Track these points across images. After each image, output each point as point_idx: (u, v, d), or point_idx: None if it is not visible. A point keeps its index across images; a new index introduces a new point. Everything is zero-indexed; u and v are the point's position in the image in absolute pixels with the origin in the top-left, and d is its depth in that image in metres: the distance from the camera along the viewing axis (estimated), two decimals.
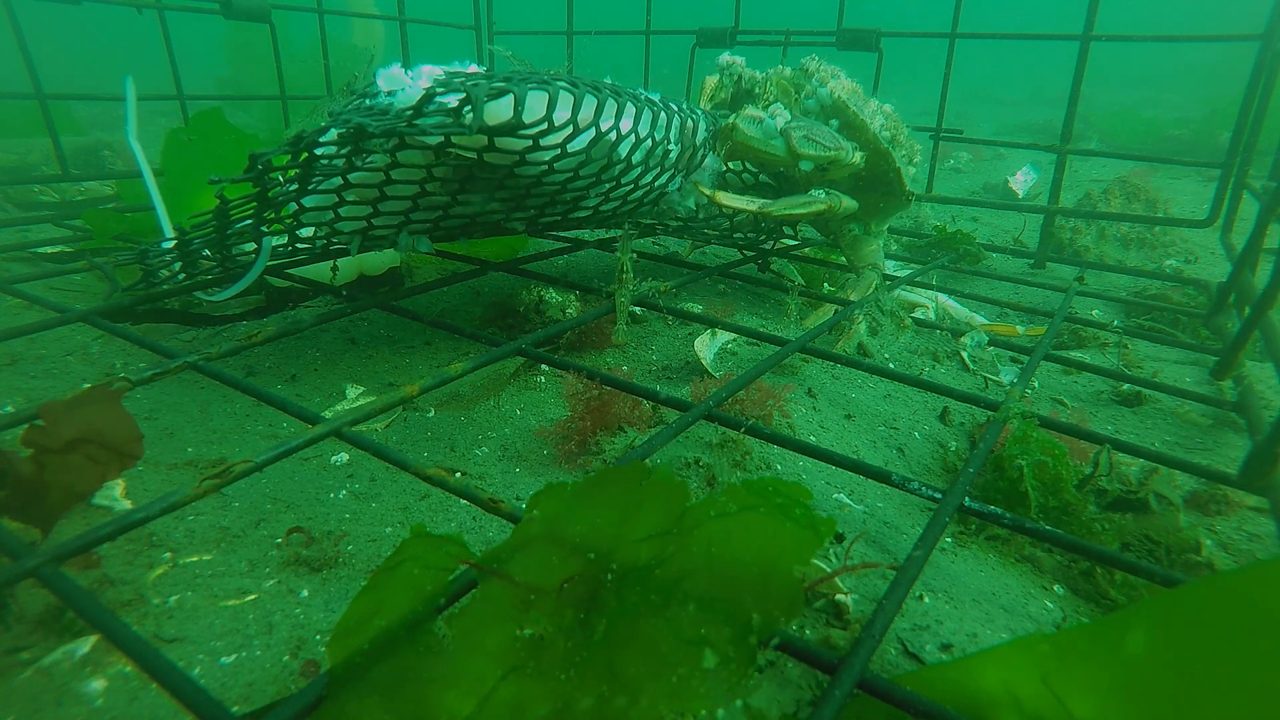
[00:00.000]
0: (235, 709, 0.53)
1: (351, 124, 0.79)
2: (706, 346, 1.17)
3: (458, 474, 0.84)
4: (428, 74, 0.88)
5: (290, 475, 0.85)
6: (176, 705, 0.50)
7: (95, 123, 3.75)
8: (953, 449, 0.98)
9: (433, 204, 0.99)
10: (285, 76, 1.97)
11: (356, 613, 0.47)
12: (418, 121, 0.80)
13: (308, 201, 0.92)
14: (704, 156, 1.18)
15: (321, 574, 0.69)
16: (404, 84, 0.86)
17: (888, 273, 1.51)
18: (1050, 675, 0.45)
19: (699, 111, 1.15)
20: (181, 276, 1.08)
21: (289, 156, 0.81)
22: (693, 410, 0.78)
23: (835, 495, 0.85)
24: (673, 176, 1.15)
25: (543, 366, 1.11)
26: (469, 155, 0.88)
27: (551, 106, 0.82)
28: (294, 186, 0.87)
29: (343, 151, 0.83)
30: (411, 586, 0.48)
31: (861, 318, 1.22)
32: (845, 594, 0.66)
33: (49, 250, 1.50)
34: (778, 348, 1.01)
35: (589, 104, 0.88)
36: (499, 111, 0.81)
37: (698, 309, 1.34)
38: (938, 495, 0.67)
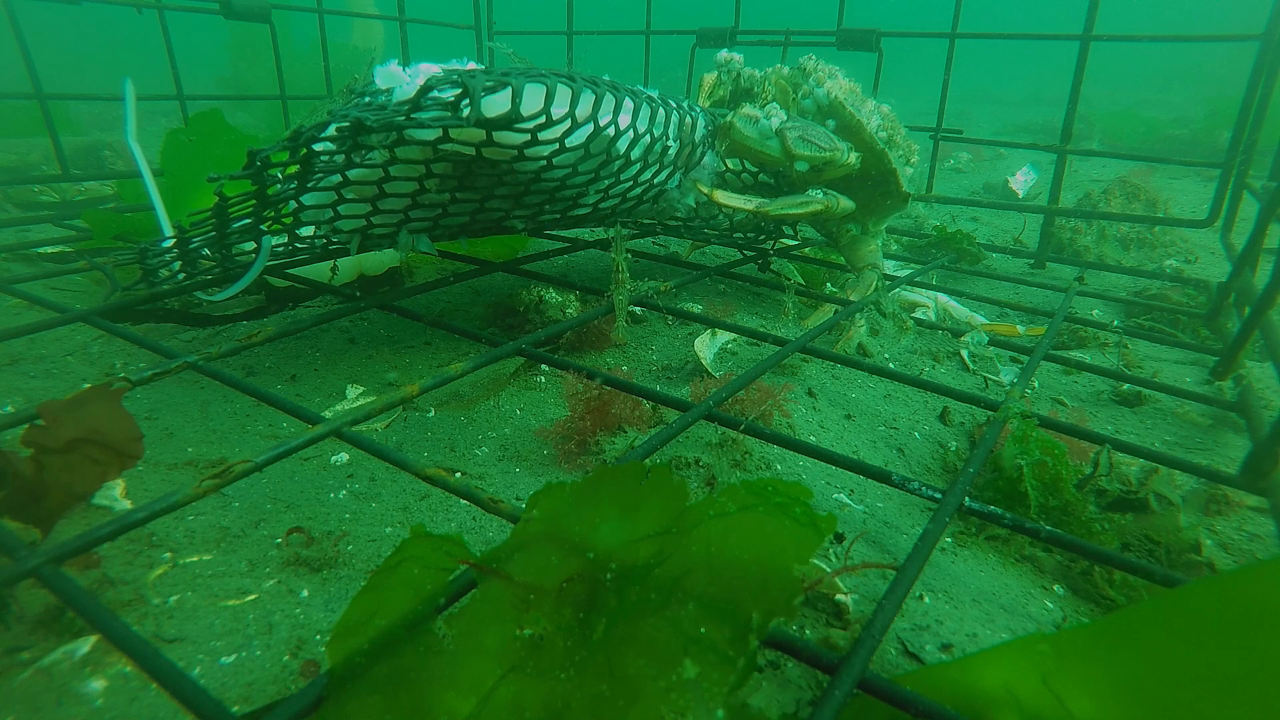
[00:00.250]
0: (235, 709, 0.53)
1: (349, 119, 0.78)
2: (706, 346, 1.17)
3: (458, 474, 0.84)
4: (425, 72, 0.88)
5: (290, 475, 0.85)
6: (176, 705, 0.50)
7: (95, 123, 3.75)
8: (953, 449, 0.98)
9: (432, 202, 0.99)
10: (285, 77, 1.97)
11: (356, 613, 0.47)
12: (415, 115, 0.79)
13: (307, 200, 0.92)
14: (703, 154, 1.18)
15: (321, 574, 0.69)
16: (401, 81, 0.86)
17: (887, 273, 1.51)
18: (1050, 675, 0.45)
19: (697, 108, 1.15)
20: (181, 276, 1.08)
21: (288, 153, 0.81)
22: (693, 410, 0.78)
23: (835, 495, 0.85)
24: (672, 173, 1.15)
25: (543, 366, 1.11)
26: (467, 151, 0.88)
27: (549, 100, 0.82)
28: (293, 184, 0.87)
29: (341, 148, 0.83)
30: (411, 586, 0.48)
31: (861, 318, 1.22)
32: (845, 594, 0.66)
33: (49, 250, 1.50)
34: (778, 348, 1.01)
35: (587, 98, 0.88)
36: (496, 104, 0.81)
37: (698, 309, 1.34)
38: (938, 495, 0.67)
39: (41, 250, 1.49)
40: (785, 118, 1.17)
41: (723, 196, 1.16)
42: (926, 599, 0.69)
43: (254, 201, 0.88)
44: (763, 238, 1.53)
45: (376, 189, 0.92)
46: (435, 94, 0.80)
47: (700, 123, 1.14)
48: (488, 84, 0.79)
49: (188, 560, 0.69)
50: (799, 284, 1.37)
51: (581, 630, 0.44)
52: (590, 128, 0.90)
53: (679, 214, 1.28)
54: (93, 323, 0.96)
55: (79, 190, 2.03)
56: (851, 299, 1.27)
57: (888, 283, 1.35)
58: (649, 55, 2.14)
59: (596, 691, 0.41)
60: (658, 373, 1.14)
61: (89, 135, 2.93)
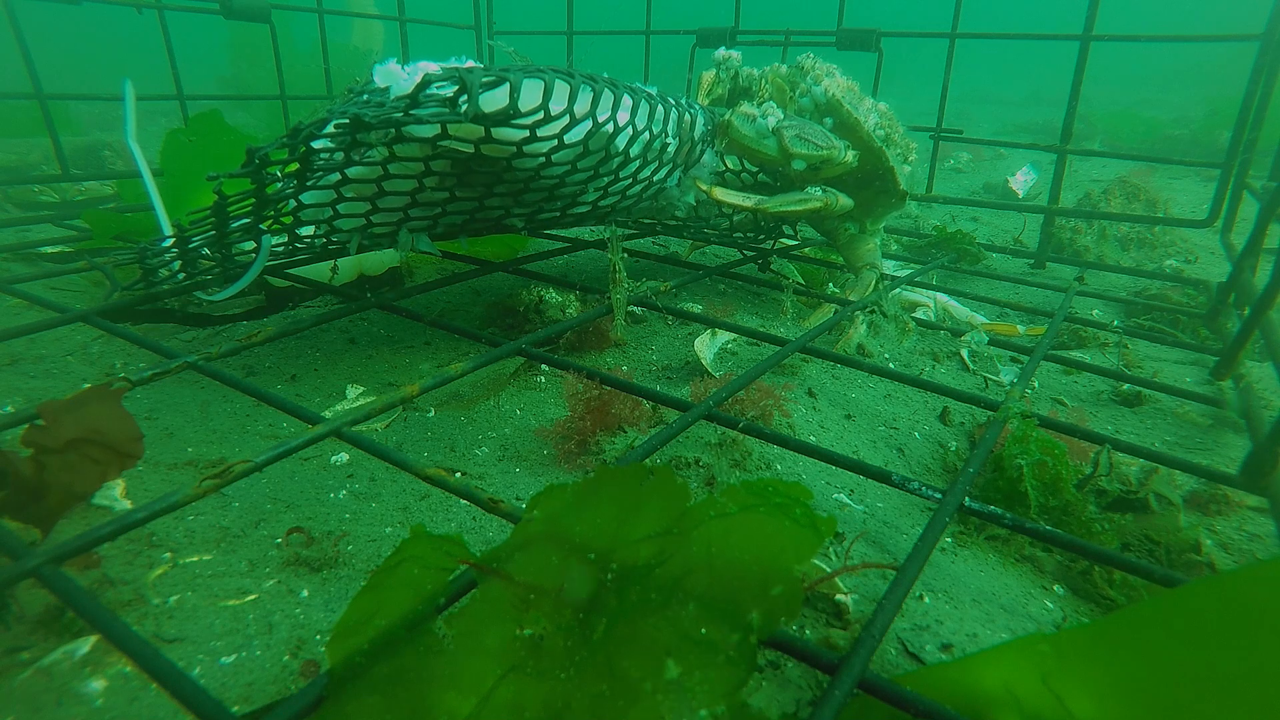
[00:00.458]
0: (235, 709, 0.53)
1: (348, 115, 0.78)
2: (706, 346, 1.17)
3: (458, 474, 0.84)
4: (424, 70, 0.88)
5: (290, 475, 0.85)
6: (176, 705, 0.50)
7: (95, 123, 3.75)
8: (953, 449, 0.98)
9: (431, 200, 0.99)
10: (285, 77, 1.97)
11: (356, 613, 0.47)
12: (414, 111, 0.79)
13: (306, 198, 0.92)
14: (702, 152, 1.18)
15: (321, 574, 0.69)
16: (400, 79, 0.86)
17: (887, 272, 1.51)
18: (1050, 675, 0.45)
19: (696, 106, 1.15)
20: (181, 276, 1.08)
21: (287, 151, 0.81)
22: (693, 410, 0.78)
23: (835, 495, 0.85)
24: (671, 171, 1.15)
25: (543, 366, 1.11)
26: (466, 148, 0.88)
27: (547, 95, 0.82)
28: (292, 183, 0.87)
29: (340, 145, 0.83)
30: (411, 586, 0.48)
31: (861, 318, 1.22)
32: (845, 594, 0.66)
33: (49, 250, 1.50)
34: (778, 348, 1.01)
35: (585, 94, 0.88)
36: (494, 100, 0.81)
37: (697, 309, 1.34)
38: (938, 495, 0.67)
39: (41, 250, 1.49)
40: (782, 116, 1.17)
41: (722, 193, 1.16)
42: (926, 599, 0.69)
43: (253, 200, 0.88)
44: (762, 238, 1.53)
45: (376, 187, 0.92)
46: (433, 90, 0.80)
47: (699, 120, 1.14)
48: (485, 79, 0.79)
49: (188, 560, 0.69)
50: (799, 284, 1.37)
51: (582, 630, 0.44)
52: (589, 124, 0.90)
53: (679, 212, 1.28)
54: (93, 323, 0.96)
55: (79, 190, 2.03)
56: (851, 299, 1.27)
57: (888, 283, 1.35)
58: (649, 55, 2.14)
59: (596, 691, 0.41)
60: (658, 373, 1.14)
61: (89, 135, 2.93)
